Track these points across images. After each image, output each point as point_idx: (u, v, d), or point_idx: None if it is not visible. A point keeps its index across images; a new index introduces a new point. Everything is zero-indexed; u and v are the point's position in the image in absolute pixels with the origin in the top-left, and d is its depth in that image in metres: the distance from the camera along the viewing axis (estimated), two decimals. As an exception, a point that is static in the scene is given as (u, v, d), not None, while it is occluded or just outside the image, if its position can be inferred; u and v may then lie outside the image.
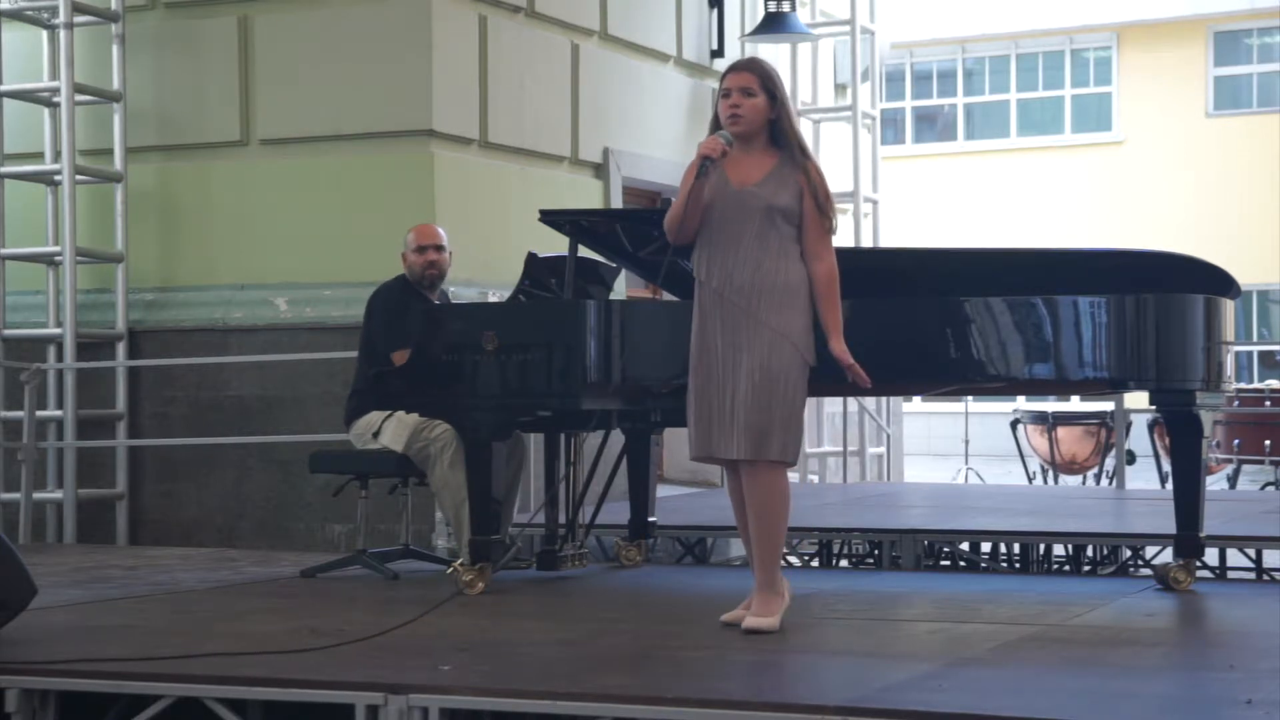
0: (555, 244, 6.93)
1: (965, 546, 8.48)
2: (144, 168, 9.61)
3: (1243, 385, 14.64)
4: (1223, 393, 6.62)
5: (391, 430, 7.05)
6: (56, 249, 9.38)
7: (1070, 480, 13.37)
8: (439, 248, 7.33)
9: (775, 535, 5.42)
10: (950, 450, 17.68)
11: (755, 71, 5.47)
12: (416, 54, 9.08)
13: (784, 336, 5.33)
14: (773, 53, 12.62)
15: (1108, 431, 12.70)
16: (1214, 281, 6.48)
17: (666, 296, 6.47)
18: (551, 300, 6.85)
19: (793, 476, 11.63)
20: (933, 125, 26.52)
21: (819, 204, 5.42)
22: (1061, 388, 8.07)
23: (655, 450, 7.49)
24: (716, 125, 5.48)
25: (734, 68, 5.52)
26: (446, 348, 6.51)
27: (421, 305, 7.10)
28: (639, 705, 4.27)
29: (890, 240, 13.07)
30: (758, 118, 5.43)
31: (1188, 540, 6.47)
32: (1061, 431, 13.03)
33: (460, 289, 8.79)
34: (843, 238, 12.61)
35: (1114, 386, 6.58)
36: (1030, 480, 13.73)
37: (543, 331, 6.43)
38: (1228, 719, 4.13)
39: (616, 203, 10.45)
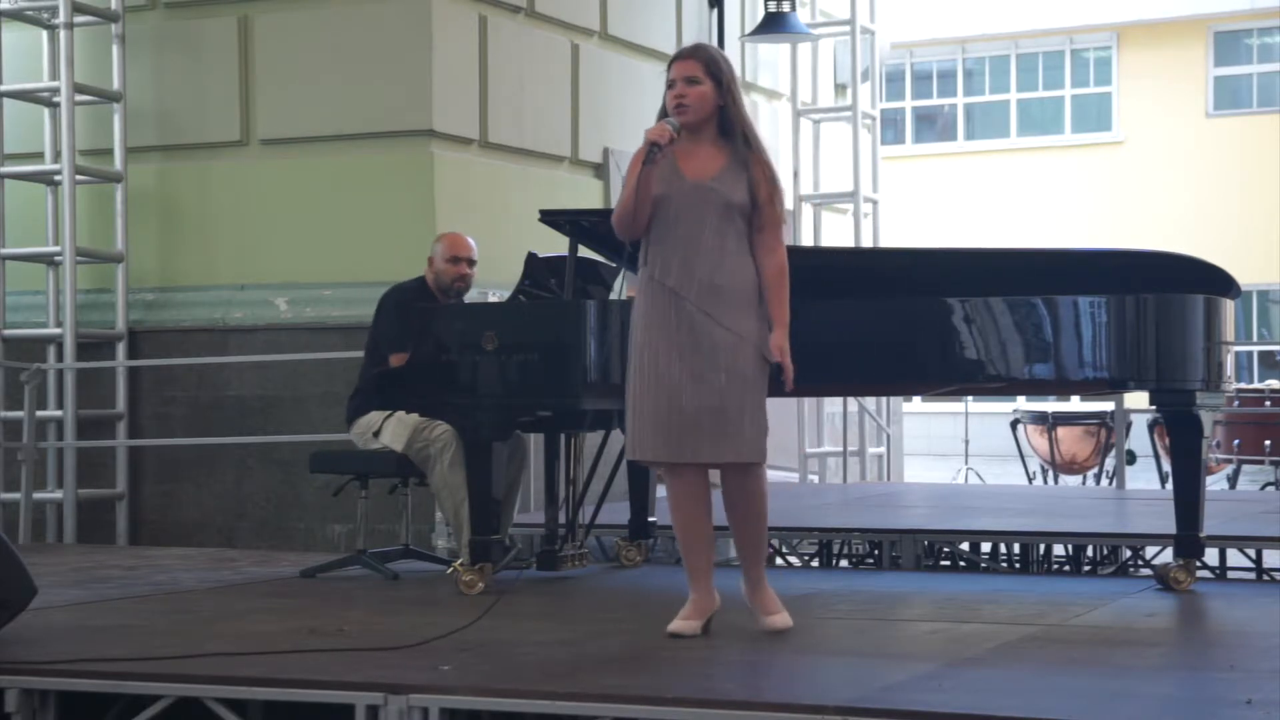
0: (555, 244, 6.93)
1: (965, 546, 8.48)
2: (144, 168, 9.61)
3: (1243, 385, 14.63)
4: (1223, 393, 6.62)
5: (391, 430, 7.05)
6: (56, 249, 9.39)
7: (1070, 480, 13.37)
8: (472, 261, 7.30)
9: (766, 532, 5.49)
10: (950, 450, 17.67)
11: (699, 58, 5.33)
12: (416, 54, 9.08)
13: (744, 339, 5.24)
14: (773, 53, 12.63)
15: (1108, 431, 12.70)
16: (1214, 281, 6.48)
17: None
18: (551, 300, 6.85)
19: (793, 477, 11.69)
20: (933, 125, 26.52)
21: (775, 195, 5.31)
22: (1061, 388, 8.06)
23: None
24: (665, 118, 5.32)
25: (678, 55, 5.39)
26: (446, 348, 6.51)
27: (420, 305, 7.08)
28: (639, 705, 4.27)
29: (890, 240, 13.07)
30: (704, 106, 5.29)
31: (1188, 540, 6.46)
32: (1061, 431, 13.03)
33: (460, 289, 8.79)
34: (843, 238, 12.66)
35: (1114, 386, 6.57)
36: (1030, 480, 13.72)
37: (543, 331, 6.43)
38: (1228, 719, 4.13)
39: (616, 203, 10.43)
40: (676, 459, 5.27)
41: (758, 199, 5.30)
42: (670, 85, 5.33)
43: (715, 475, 5.40)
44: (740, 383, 5.23)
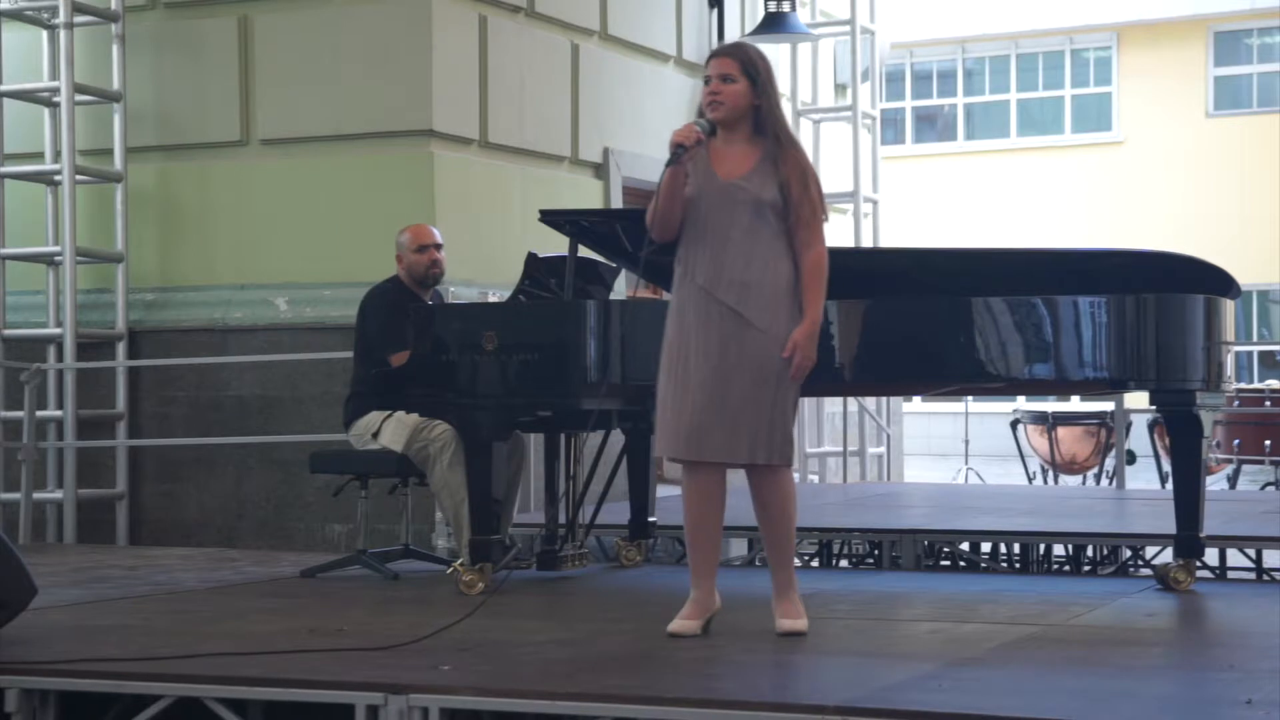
0: (555, 244, 6.93)
1: (965, 546, 8.48)
2: (144, 168, 9.61)
3: (1243, 385, 14.64)
4: (1223, 393, 6.62)
5: (391, 430, 7.05)
6: (56, 249, 9.39)
7: (1070, 480, 13.37)
8: (439, 246, 7.34)
9: (793, 535, 5.40)
10: (950, 450, 17.68)
11: (735, 56, 5.32)
12: (416, 54, 9.08)
13: (773, 339, 5.23)
14: (773, 53, 12.62)
15: (1108, 431, 12.70)
16: (1214, 281, 6.47)
17: (668, 296, 6.45)
18: (551, 300, 6.85)
19: (793, 476, 11.68)
20: (933, 125, 26.52)
21: (808, 192, 5.28)
22: (1061, 388, 8.07)
23: (655, 450, 7.48)
24: (699, 117, 5.33)
25: (715, 53, 5.39)
26: (446, 348, 6.51)
27: (419, 306, 7.09)
28: (639, 705, 4.27)
29: (890, 240, 13.07)
30: (738, 104, 5.28)
31: (1188, 540, 6.46)
32: (1061, 431, 13.03)
33: (460, 289, 8.80)
34: (843, 238, 12.66)
35: (1114, 386, 6.58)
36: (1030, 480, 13.73)
37: (543, 331, 6.43)
38: (1228, 719, 4.13)
39: (616, 203, 10.45)
40: (693, 457, 5.27)
41: (790, 197, 5.27)
42: (706, 82, 5.34)
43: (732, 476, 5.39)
44: (764, 384, 5.21)
